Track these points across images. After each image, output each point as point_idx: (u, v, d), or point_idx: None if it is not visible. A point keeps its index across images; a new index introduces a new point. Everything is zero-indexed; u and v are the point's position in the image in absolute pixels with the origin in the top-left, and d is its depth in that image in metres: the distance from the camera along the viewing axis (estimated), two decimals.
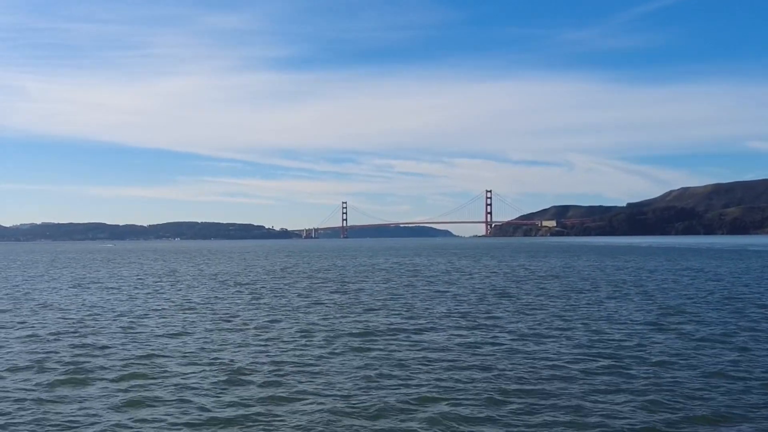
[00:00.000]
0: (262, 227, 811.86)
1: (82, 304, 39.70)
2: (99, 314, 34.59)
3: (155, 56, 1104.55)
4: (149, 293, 47.37)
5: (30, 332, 28.26)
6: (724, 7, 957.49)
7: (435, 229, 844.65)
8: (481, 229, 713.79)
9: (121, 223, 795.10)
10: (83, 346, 24.75)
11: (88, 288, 52.99)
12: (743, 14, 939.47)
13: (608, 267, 77.55)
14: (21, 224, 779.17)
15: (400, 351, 23.25)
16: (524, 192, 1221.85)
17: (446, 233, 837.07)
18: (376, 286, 52.33)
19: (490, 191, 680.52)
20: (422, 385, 18.24)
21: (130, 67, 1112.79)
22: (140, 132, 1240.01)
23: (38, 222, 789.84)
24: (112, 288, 52.63)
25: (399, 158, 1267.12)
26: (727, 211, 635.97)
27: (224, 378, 19.26)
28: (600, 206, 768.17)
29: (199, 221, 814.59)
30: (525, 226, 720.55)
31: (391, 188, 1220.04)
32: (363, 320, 31.39)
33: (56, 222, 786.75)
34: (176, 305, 38.81)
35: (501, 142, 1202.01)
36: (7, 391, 17.96)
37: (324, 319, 31.99)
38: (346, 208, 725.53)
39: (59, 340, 26.23)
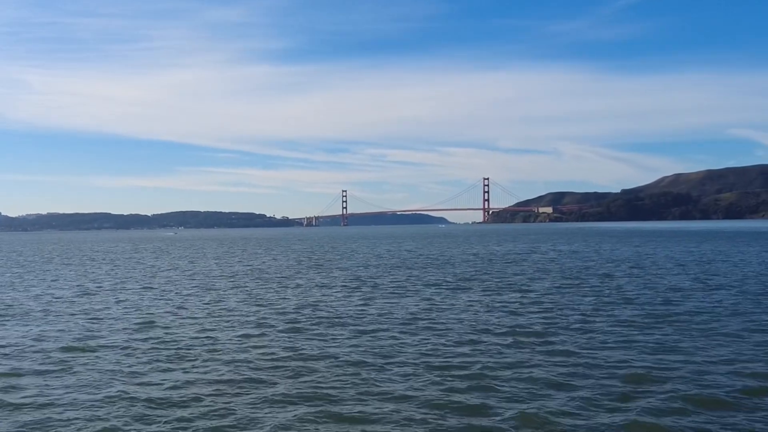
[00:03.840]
0: (264, 216, 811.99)
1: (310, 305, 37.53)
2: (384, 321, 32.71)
3: (156, 49, 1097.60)
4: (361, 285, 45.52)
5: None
6: None
7: (431, 216, 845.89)
8: (478, 216, 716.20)
9: (125, 213, 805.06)
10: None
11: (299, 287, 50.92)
12: (726, 5, 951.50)
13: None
14: (27, 214, 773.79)
15: None
16: (515, 179, 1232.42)
17: (442, 220, 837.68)
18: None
19: (488, 179, 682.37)
20: None
21: (132, 60, 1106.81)
22: (141, 123, 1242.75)
23: (44, 212, 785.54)
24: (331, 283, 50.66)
25: (393, 147, 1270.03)
26: (722, 197, 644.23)
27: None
28: (595, 192, 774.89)
29: (202, 210, 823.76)
30: (522, 212, 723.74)
31: (386, 177, 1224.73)
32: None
33: (62, 212, 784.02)
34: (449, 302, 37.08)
35: (492, 131, 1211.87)
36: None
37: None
38: (346, 196, 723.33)
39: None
